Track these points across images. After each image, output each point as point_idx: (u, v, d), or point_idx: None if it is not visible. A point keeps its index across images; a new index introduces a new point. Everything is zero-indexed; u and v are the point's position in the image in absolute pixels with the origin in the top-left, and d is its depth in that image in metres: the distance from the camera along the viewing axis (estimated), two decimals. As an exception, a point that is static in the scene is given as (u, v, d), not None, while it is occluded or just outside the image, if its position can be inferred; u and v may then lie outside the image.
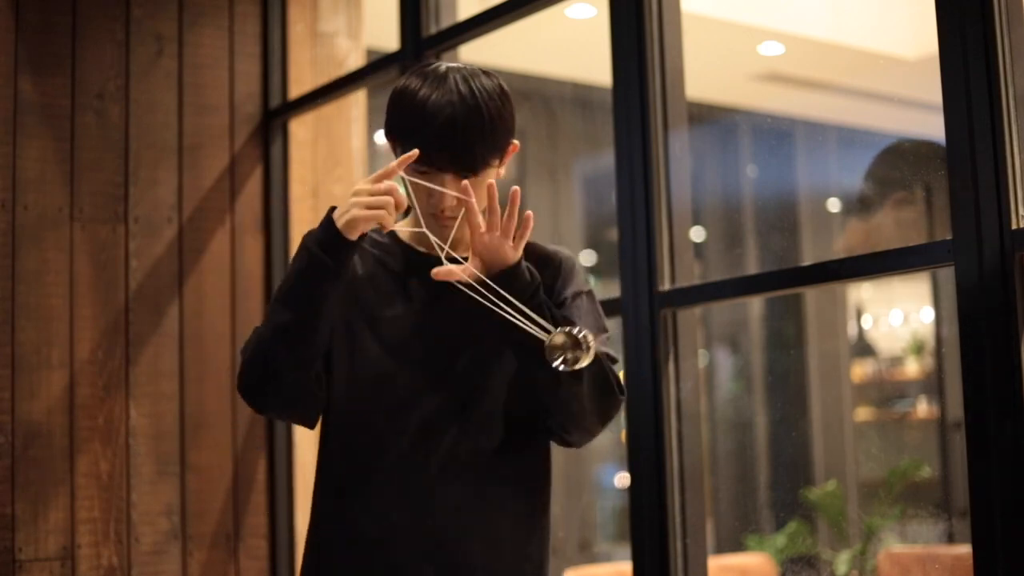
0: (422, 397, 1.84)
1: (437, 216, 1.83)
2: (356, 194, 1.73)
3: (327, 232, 1.74)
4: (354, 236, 1.73)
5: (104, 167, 3.29)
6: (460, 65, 1.85)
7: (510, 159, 1.88)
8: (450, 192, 1.79)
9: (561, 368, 1.70)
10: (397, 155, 1.82)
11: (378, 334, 1.86)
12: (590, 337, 1.70)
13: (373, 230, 1.91)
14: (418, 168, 1.80)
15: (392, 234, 1.95)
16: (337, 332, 1.87)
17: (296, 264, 1.78)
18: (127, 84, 3.34)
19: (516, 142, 1.88)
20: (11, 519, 3.04)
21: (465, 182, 1.77)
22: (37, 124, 3.19)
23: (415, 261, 1.91)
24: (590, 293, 1.95)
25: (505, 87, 1.84)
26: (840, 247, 5.92)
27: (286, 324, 1.77)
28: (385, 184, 1.72)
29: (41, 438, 3.11)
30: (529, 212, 1.77)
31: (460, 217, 1.82)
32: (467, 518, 1.83)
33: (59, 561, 3.09)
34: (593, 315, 1.92)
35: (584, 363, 1.69)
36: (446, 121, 1.76)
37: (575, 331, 1.69)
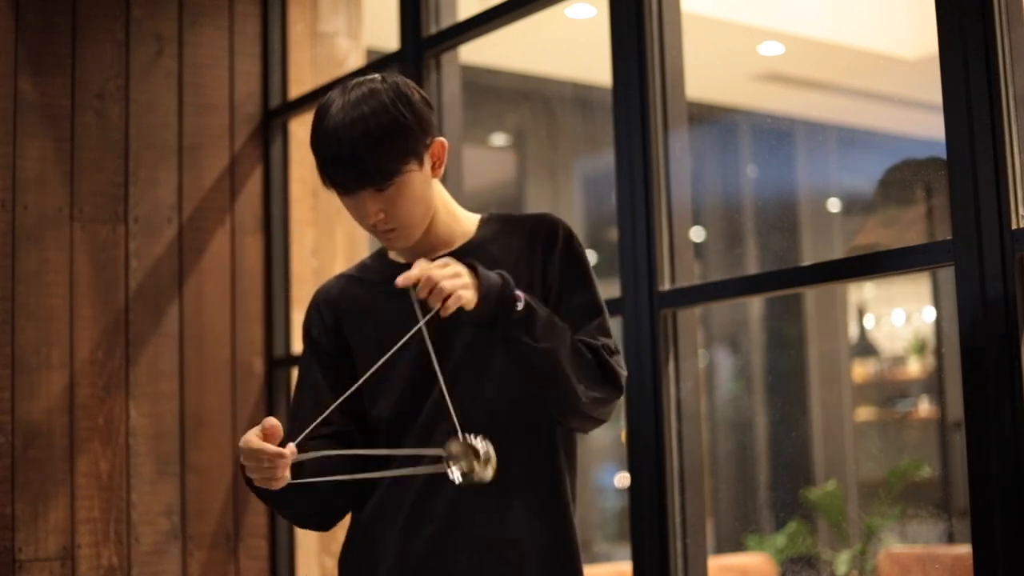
0: (433, 423, 1.85)
1: (373, 231, 1.84)
2: (246, 461, 1.71)
3: (250, 487, 1.76)
4: (279, 487, 1.72)
5: (104, 167, 3.29)
6: (363, 80, 1.83)
7: (442, 157, 1.86)
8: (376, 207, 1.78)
9: (458, 481, 1.61)
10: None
11: (385, 366, 1.86)
12: (492, 452, 1.61)
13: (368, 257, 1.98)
14: (336, 190, 1.81)
15: (380, 255, 1.97)
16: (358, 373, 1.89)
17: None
18: (127, 84, 3.34)
19: (440, 139, 1.86)
20: (11, 519, 3.04)
21: (386, 192, 1.77)
22: (37, 124, 3.19)
23: (394, 273, 1.92)
24: (583, 268, 1.92)
25: (407, 88, 1.82)
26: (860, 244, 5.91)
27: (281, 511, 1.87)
28: (250, 451, 1.68)
29: (41, 438, 3.11)
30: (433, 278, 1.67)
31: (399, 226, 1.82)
32: (481, 514, 1.84)
33: (59, 561, 3.09)
34: (588, 304, 1.90)
35: (486, 477, 1.60)
36: (338, 139, 1.76)
37: (474, 441, 1.60)
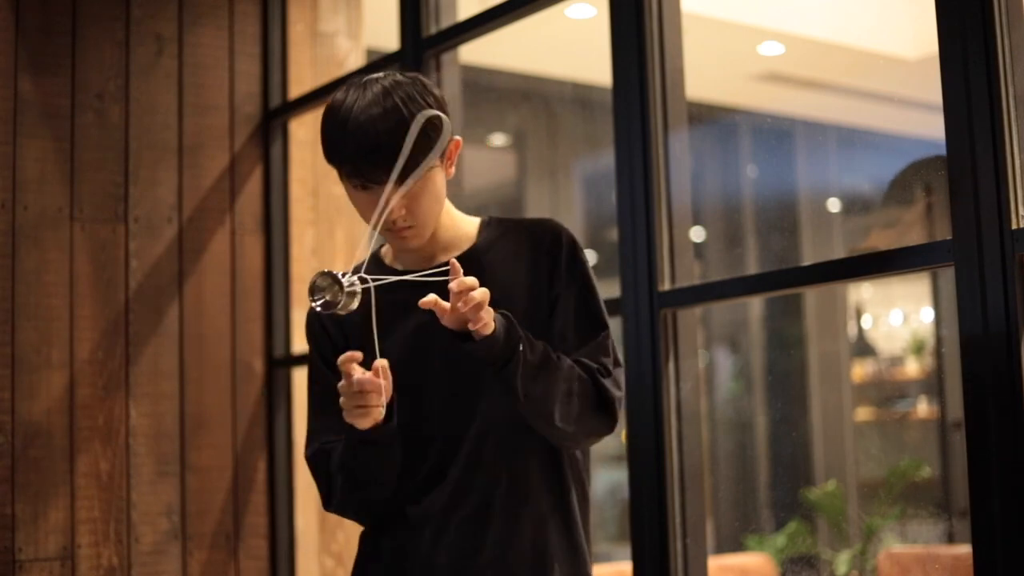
0: (433, 438, 1.86)
1: (390, 228, 1.82)
2: (342, 394, 1.72)
3: (352, 434, 1.76)
4: (367, 427, 1.73)
5: (104, 167, 3.29)
6: (382, 74, 1.81)
7: (455, 157, 1.86)
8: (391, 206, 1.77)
9: (320, 311, 1.68)
10: (340, 177, 1.82)
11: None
12: (357, 284, 1.68)
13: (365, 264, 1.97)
14: (356, 184, 1.78)
15: (376, 260, 1.95)
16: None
17: (346, 450, 1.81)
18: (127, 84, 3.34)
19: (458, 138, 1.85)
20: (11, 519, 3.04)
21: (409, 188, 1.75)
22: (37, 124, 3.19)
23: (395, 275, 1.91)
24: (586, 282, 1.91)
25: (427, 83, 1.81)
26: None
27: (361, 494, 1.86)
28: (355, 384, 1.69)
29: (41, 438, 3.11)
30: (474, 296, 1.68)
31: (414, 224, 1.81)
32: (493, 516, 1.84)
33: (59, 561, 3.09)
34: (589, 326, 1.89)
35: (351, 307, 1.67)
36: (368, 131, 1.73)
37: (340, 275, 1.67)
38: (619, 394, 1.86)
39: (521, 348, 1.73)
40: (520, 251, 1.90)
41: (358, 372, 1.68)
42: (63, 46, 3.26)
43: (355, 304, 1.68)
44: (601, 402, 1.84)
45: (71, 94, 3.26)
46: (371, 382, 1.68)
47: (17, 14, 3.19)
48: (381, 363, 1.70)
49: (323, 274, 1.68)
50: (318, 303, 1.68)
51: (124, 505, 3.21)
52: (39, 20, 3.22)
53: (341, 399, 1.70)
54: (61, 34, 3.25)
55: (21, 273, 3.12)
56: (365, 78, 1.81)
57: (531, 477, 1.85)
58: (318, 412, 1.93)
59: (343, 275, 1.67)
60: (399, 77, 1.80)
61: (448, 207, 1.91)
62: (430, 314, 1.75)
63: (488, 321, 1.67)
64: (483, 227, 1.94)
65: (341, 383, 1.70)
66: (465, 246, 1.92)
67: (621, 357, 1.93)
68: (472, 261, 1.87)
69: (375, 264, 1.96)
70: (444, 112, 1.80)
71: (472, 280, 1.66)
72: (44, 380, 3.13)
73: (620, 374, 1.89)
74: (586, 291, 1.90)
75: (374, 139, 1.73)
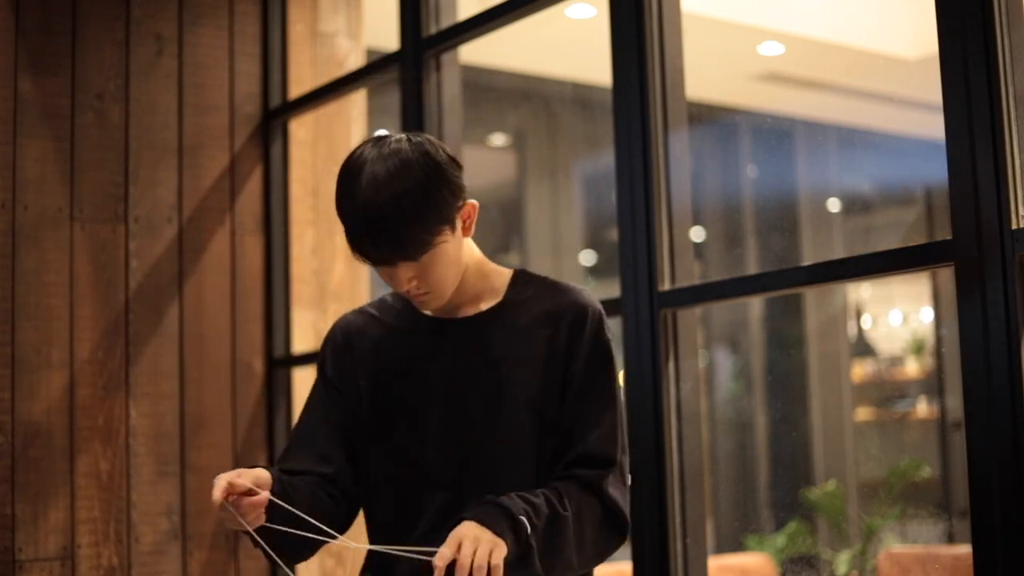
0: (442, 473, 1.86)
1: (407, 294, 1.84)
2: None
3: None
4: (246, 527, 1.71)
5: (104, 167, 3.29)
6: (394, 141, 1.80)
7: (473, 217, 1.85)
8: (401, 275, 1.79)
9: None
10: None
11: (400, 406, 1.87)
12: None
13: (388, 294, 1.98)
14: (369, 263, 1.80)
15: (401, 298, 1.96)
16: (362, 416, 1.91)
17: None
18: (127, 84, 3.34)
19: (472, 202, 1.84)
20: (11, 519, 3.04)
21: (420, 261, 1.77)
22: (37, 124, 3.19)
23: (419, 319, 1.92)
24: (605, 366, 1.90)
25: (436, 154, 1.80)
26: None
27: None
28: (216, 496, 1.66)
29: (41, 438, 3.11)
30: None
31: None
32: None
33: (59, 561, 3.09)
34: (608, 424, 1.87)
35: None
36: (370, 216, 1.75)
37: None
38: (626, 499, 1.86)
39: (533, 543, 1.71)
40: (545, 315, 1.89)
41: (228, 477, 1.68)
42: (63, 46, 3.26)
43: None
44: (611, 520, 1.84)
45: (71, 94, 3.26)
46: (245, 502, 1.68)
47: (17, 14, 3.19)
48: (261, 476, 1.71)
49: None
50: None
51: (124, 505, 3.21)
52: (39, 20, 3.22)
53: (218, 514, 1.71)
54: (61, 34, 3.25)
55: (21, 273, 3.12)
56: (376, 146, 1.80)
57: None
58: (297, 436, 1.95)
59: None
60: (406, 155, 1.78)
61: (477, 260, 1.91)
62: (448, 363, 1.81)
63: (499, 564, 1.65)
64: (513, 281, 1.94)
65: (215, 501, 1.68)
66: (493, 300, 1.92)
67: (626, 443, 1.91)
68: (498, 316, 1.89)
69: (401, 300, 1.97)
70: (456, 182, 1.80)
71: (445, 553, 1.62)
72: (44, 380, 3.13)
73: (626, 462, 1.89)
74: (604, 375, 1.88)
75: (375, 224, 1.74)
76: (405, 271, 1.78)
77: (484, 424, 1.84)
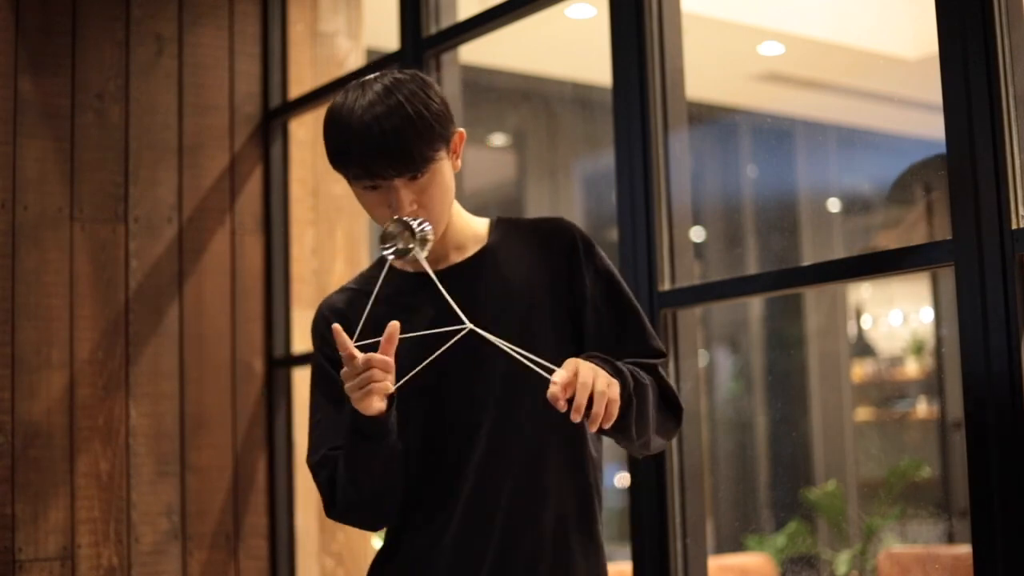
0: (447, 446, 1.85)
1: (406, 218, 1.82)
2: (346, 380, 1.69)
3: (355, 419, 1.73)
4: (374, 412, 1.70)
5: (104, 167, 3.29)
6: (380, 74, 1.82)
7: (461, 148, 1.86)
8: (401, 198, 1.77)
9: (391, 257, 1.70)
10: (348, 180, 1.81)
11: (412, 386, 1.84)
12: (427, 229, 1.70)
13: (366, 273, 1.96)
14: (366, 184, 1.78)
15: (381, 263, 1.92)
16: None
17: (346, 448, 1.78)
18: (127, 84, 3.34)
19: (461, 130, 1.85)
20: (11, 519, 3.04)
21: (419, 181, 1.76)
22: (37, 124, 3.19)
23: (403, 284, 1.90)
24: (609, 276, 1.91)
25: (426, 79, 1.82)
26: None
27: (357, 494, 1.81)
28: (360, 360, 1.66)
29: (41, 438, 3.11)
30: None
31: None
32: (519, 514, 1.83)
33: (59, 561, 3.09)
34: (636, 319, 1.89)
35: (422, 254, 1.70)
36: (374, 130, 1.73)
37: (411, 221, 1.70)
38: (679, 394, 1.88)
39: (634, 398, 1.71)
40: (533, 250, 1.90)
41: (360, 354, 1.67)
42: (63, 46, 3.26)
43: (426, 252, 1.70)
44: (671, 403, 1.85)
45: (71, 94, 3.26)
46: (376, 357, 1.67)
47: (17, 14, 3.19)
48: (392, 326, 1.68)
49: (395, 220, 1.71)
50: (389, 251, 1.70)
51: (124, 505, 3.21)
52: (39, 20, 3.22)
53: (346, 385, 1.69)
54: (61, 34, 3.25)
55: (21, 273, 3.13)
56: (363, 79, 1.81)
57: (552, 476, 1.85)
58: (322, 417, 1.91)
59: (415, 220, 1.70)
60: (398, 75, 1.80)
61: (458, 208, 1.91)
62: (440, 314, 1.76)
63: (614, 412, 1.62)
64: (493, 227, 1.94)
65: (344, 369, 1.69)
66: (477, 246, 1.91)
67: None
68: (485, 260, 1.88)
69: (382, 269, 1.93)
70: (448, 105, 1.81)
71: (567, 378, 1.59)
72: (44, 380, 3.13)
73: (666, 362, 1.91)
74: (612, 285, 1.90)
75: (380, 137, 1.73)
76: (406, 192, 1.76)
77: (491, 364, 1.80)
